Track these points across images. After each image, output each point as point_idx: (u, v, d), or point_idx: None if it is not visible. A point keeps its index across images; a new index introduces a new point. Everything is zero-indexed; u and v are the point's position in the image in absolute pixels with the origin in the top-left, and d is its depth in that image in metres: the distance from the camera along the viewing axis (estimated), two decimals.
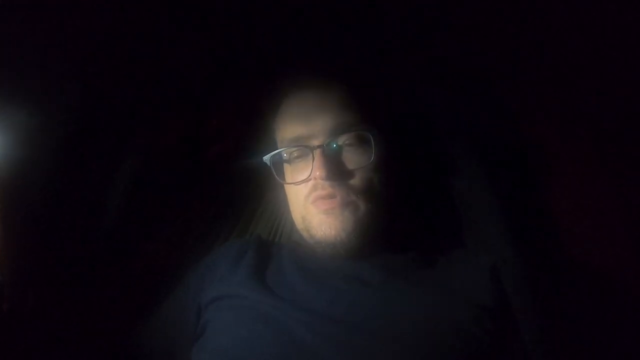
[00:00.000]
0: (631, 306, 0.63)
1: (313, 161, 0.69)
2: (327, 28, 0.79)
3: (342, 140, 0.69)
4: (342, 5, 0.76)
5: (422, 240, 0.75)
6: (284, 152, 0.73)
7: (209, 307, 0.72)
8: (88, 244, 0.74)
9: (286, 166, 0.75)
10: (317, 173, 0.67)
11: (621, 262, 0.65)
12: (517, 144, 0.72)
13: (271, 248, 0.80)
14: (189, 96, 0.83)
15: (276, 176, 0.75)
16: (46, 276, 0.68)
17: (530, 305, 0.62)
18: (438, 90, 0.74)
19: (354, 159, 0.69)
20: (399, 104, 0.78)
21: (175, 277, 0.79)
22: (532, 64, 0.70)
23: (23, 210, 0.66)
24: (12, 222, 0.64)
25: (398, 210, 0.75)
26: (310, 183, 0.70)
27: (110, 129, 0.76)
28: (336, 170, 0.68)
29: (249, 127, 0.83)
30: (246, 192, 0.88)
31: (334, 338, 0.61)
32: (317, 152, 0.68)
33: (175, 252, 0.82)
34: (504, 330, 0.62)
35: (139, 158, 0.78)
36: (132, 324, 0.74)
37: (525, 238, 0.66)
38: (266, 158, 0.75)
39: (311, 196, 0.70)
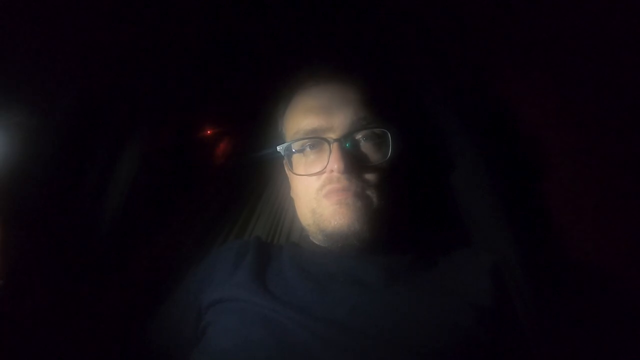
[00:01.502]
0: (631, 306, 0.63)
1: (329, 154, 0.68)
2: (347, 24, 0.80)
3: (360, 135, 0.70)
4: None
5: (424, 241, 0.75)
6: (297, 144, 0.73)
7: (209, 309, 0.71)
8: (88, 245, 0.73)
9: (297, 158, 0.74)
10: (335, 166, 0.67)
11: (621, 262, 0.65)
12: (518, 144, 0.72)
13: (271, 249, 0.80)
14: (192, 92, 0.82)
15: (289, 167, 0.74)
16: (45, 278, 0.68)
17: (532, 304, 0.62)
18: (440, 90, 0.74)
19: (371, 155, 0.70)
20: (412, 103, 0.78)
21: (175, 278, 0.79)
22: (533, 64, 0.70)
23: (23, 212, 0.66)
24: (12, 224, 0.63)
25: (405, 209, 0.75)
26: (324, 176, 0.70)
27: (110, 130, 0.76)
28: (353, 165, 0.68)
29: (256, 120, 0.82)
30: (245, 193, 0.88)
31: (335, 342, 0.61)
32: (335, 146, 0.68)
33: (175, 253, 0.82)
34: (506, 330, 0.62)
35: (139, 159, 0.78)
36: (132, 326, 0.74)
37: (527, 238, 0.66)
38: (280, 148, 0.75)
39: (324, 189, 0.70)
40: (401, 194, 0.73)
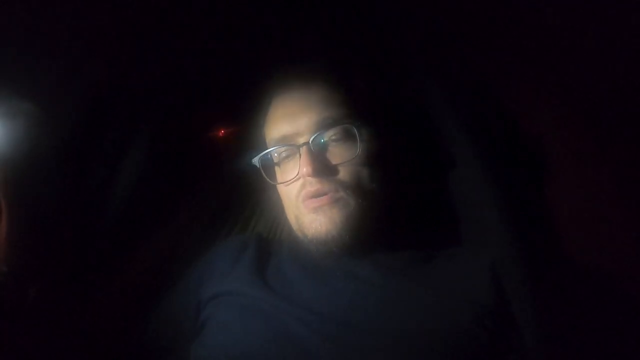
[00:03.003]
0: (631, 306, 0.63)
1: (300, 159, 0.69)
2: (310, 22, 0.79)
3: (328, 135, 0.69)
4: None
5: (422, 237, 0.75)
6: (272, 153, 0.74)
7: (209, 303, 0.72)
8: (90, 239, 0.74)
9: (276, 167, 0.75)
10: (304, 170, 0.67)
11: (621, 262, 0.64)
12: (517, 141, 0.72)
13: (271, 245, 0.81)
14: (190, 96, 0.83)
15: (266, 178, 0.75)
16: (48, 269, 0.69)
17: (530, 303, 0.62)
18: (438, 89, 0.74)
19: (340, 153, 0.69)
20: (388, 96, 0.78)
21: (176, 272, 0.79)
22: (532, 60, 0.69)
23: (28, 204, 0.66)
24: (17, 215, 0.64)
25: (395, 206, 0.74)
26: (300, 181, 0.70)
27: (113, 127, 0.77)
28: (322, 166, 0.68)
29: (242, 128, 0.82)
30: (247, 188, 0.88)
31: (333, 337, 0.61)
32: (303, 149, 0.68)
33: (176, 248, 0.82)
34: (504, 328, 0.62)
35: (142, 154, 0.79)
36: (133, 320, 0.75)
37: (525, 236, 0.65)
38: (255, 160, 0.75)
39: (301, 194, 0.70)
40: (383, 191, 0.72)
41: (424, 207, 0.79)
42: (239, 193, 0.89)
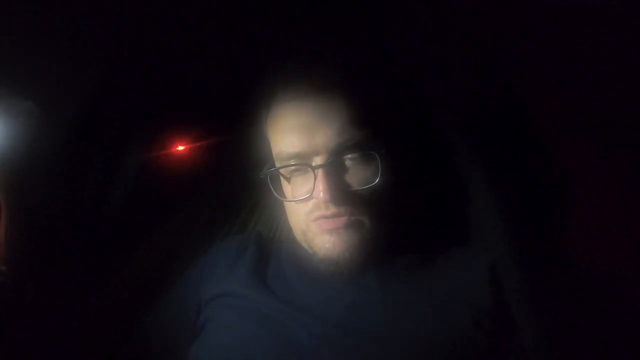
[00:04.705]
0: (631, 306, 0.63)
1: (315, 179, 0.64)
2: (330, 31, 0.78)
3: (346, 158, 0.65)
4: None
5: (421, 240, 0.75)
6: (280, 169, 0.69)
7: (209, 304, 0.72)
8: (90, 239, 0.74)
9: (284, 180, 0.71)
10: (321, 195, 0.63)
11: (621, 262, 0.64)
12: (518, 144, 0.72)
13: (271, 246, 0.80)
14: (191, 95, 0.84)
15: (275, 193, 0.71)
16: (47, 271, 0.69)
17: (529, 305, 0.62)
18: (438, 89, 0.74)
19: (359, 176, 0.65)
20: (405, 114, 0.74)
21: (176, 272, 0.79)
22: (536, 67, 0.69)
23: (27, 203, 0.67)
24: (17, 215, 0.64)
25: (403, 219, 0.73)
26: (312, 202, 0.66)
27: (113, 127, 0.77)
28: (341, 192, 0.64)
29: (243, 127, 0.81)
30: (247, 187, 0.88)
31: (331, 340, 0.61)
32: (320, 172, 0.64)
33: (176, 247, 0.82)
34: (503, 331, 0.62)
35: (142, 154, 0.79)
36: (132, 320, 0.74)
37: (525, 237, 0.66)
38: (263, 174, 0.71)
39: (313, 214, 0.66)
40: (396, 209, 0.69)
41: (425, 211, 0.78)
42: (238, 192, 0.89)
